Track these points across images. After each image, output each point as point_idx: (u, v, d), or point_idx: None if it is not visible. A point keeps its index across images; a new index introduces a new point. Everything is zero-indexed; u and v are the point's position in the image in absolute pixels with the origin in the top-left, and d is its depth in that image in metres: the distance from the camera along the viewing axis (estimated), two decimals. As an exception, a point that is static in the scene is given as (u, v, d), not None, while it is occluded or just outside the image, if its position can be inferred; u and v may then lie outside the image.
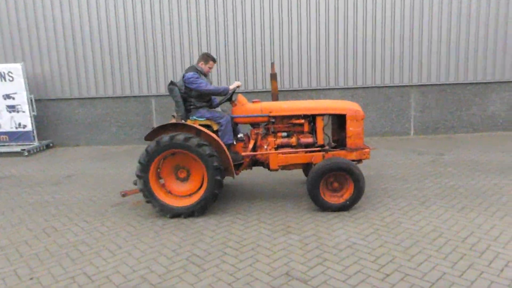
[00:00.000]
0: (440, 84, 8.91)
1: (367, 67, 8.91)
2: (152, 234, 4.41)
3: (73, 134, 9.52)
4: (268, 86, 9.07)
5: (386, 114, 9.09)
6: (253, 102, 5.27)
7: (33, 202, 5.65)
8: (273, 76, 5.60)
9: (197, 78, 4.94)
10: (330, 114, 5.19)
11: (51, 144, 9.55)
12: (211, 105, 5.35)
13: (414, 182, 5.80)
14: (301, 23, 8.81)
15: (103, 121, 9.40)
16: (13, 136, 9.02)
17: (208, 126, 5.05)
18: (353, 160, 4.99)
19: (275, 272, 3.48)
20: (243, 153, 5.09)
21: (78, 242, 4.26)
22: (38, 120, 9.27)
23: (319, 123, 5.08)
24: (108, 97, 9.30)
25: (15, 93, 8.79)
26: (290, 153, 5.03)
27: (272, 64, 5.69)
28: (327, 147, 5.06)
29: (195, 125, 4.79)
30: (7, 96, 8.81)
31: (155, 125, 9.25)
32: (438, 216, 4.51)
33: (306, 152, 5.03)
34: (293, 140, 5.11)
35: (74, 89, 9.29)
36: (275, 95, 5.70)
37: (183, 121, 4.93)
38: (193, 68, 5.13)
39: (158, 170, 4.88)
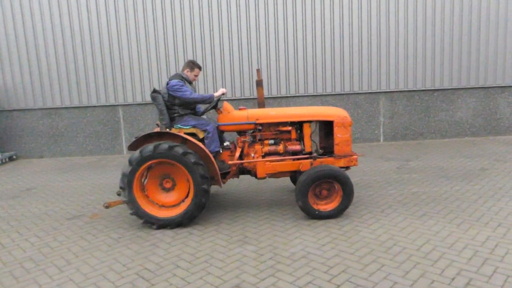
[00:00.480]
0: (408, 91, 9.01)
1: (335, 74, 8.95)
2: (105, 248, 4.25)
3: (37, 145, 9.26)
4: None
5: (356, 120, 9.12)
6: (239, 109, 5.17)
7: (-15, 217, 5.42)
8: (259, 83, 5.52)
9: (182, 86, 4.84)
10: (317, 121, 5.12)
11: (14, 156, 9.25)
12: (195, 113, 5.25)
13: (378, 189, 5.79)
14: (269, 30, 8.81)
15: (69, 132, 9.16)
16: (-26, 148, 8.73)
17: (193, 135, 4.92)
18: (341, 167, 4.94)
19: (225, 285, 3.37)
20: (230, 162, 4.97)
21: (25, 259, 4.07)
22: (0, 132, 8.98)
23: (307, 130, 5.02)
24: (74, 107, 9.09)
25: (-24, 104, 8.52)
26: (277, 160, 4.95)
27: (258, 71, 5.57)
28: (315, 154, 4.98)
29: (180, 134, 4.68)
30: (-33, 107, 8.53)
31: (123, 135, 9.11)
32: (397, 224, 4.48)
33: (294, 159, 4.95)
34: (280, 147, 5.03)
35: (38, 99, 9.05)
36: (261, 102, 5.63)
37: (167, 129, 4.80)
38: (177, 76, 5.05)
39: (143, 180, 4.72)
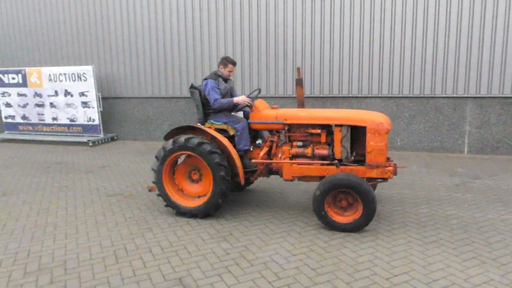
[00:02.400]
0: (503, 97, 7.61)
1: (415, 75, 8.07)
2: (111, 225, 4.80)
3: (132, 129, 10.64)
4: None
5: (436, 127, 8.10)
6: (271, 108, 5.15)
7: (57, 186, 6.56)
8: (299, 82, 5.40)
9: (211, 88, 4.98)
10: (349, 126, 4.68)
11: (115, 137, 10.81)
12: (232, 109, 5.26)
13: (409, 206, 5.16)
14: (343, 26, 8.40)
15: (157, 119, 10.30)
16: (85, 128, 10.48)
17: (225, 131, 5.07)
18: (376, 179, 4.59)
19: (171, 275, 3.57)
20: (253, 160, 4.95)
21: (51, 223, 4.88)
22: (105, 115, 10.59)
23: (337, 134, 4.64)
24: (162, 97, 10.16)
25: (88, 91, 10.18)
26: (304, 164, 4.79)
27: (298, 70, 5.47)
28: (336, 161, 4.64)
29: (208, 130, 4.86)
30: (82, 94, 10.27)
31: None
32: (392, 247, 4.00)
33: (322, 164, 4.71)
34: (308, 150, 4.79)
35: (135, 89, 10.37)
36: (300, 102, 5.52)
37: (198, 124, 5.12)
38: (212, 75, 5.20)
39: (174, 168, 5.12)
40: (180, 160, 5.14)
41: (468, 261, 3.68)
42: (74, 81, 10.25)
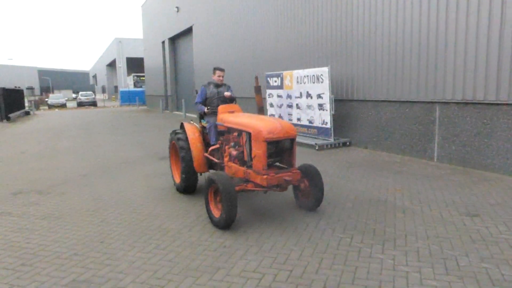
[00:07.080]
0: None
1: None
2: (187, 252, 4.21)
3: (365, 135, 9.33)
4: None
5: None
6: (228, 112, 5.62)
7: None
8: (257, 89, 6.03)
9: (198, 94, 6.09)
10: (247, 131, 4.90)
11: (348, 143, 9.80)
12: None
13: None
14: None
15: (388, 126, 8.58)
16: (320, 131, 10.05)
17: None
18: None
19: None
20: (205, 154, 5.77)
21: (170, 229, 4.79)
22: (339, 119, 9.79)
23: (243, 138, 5.05)
24: (395, 101, 8.36)
25: (323, 93, 9.68)
26: (233, 164, 5.18)
27: (256, 78, 6.07)
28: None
29: (185, 126, 6.04)
30: (319, 96, 9.87)
31: (436, 138, 7.52)
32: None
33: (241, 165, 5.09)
34: (234, 152, 5.21)
35: (367, 91, 9.05)
36: (259, 107, 6.09)
37: (191, 121, 6.29)
38: (207, 82, 6.19)
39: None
40: None
41: None
42: (313, 83, 10.06)
